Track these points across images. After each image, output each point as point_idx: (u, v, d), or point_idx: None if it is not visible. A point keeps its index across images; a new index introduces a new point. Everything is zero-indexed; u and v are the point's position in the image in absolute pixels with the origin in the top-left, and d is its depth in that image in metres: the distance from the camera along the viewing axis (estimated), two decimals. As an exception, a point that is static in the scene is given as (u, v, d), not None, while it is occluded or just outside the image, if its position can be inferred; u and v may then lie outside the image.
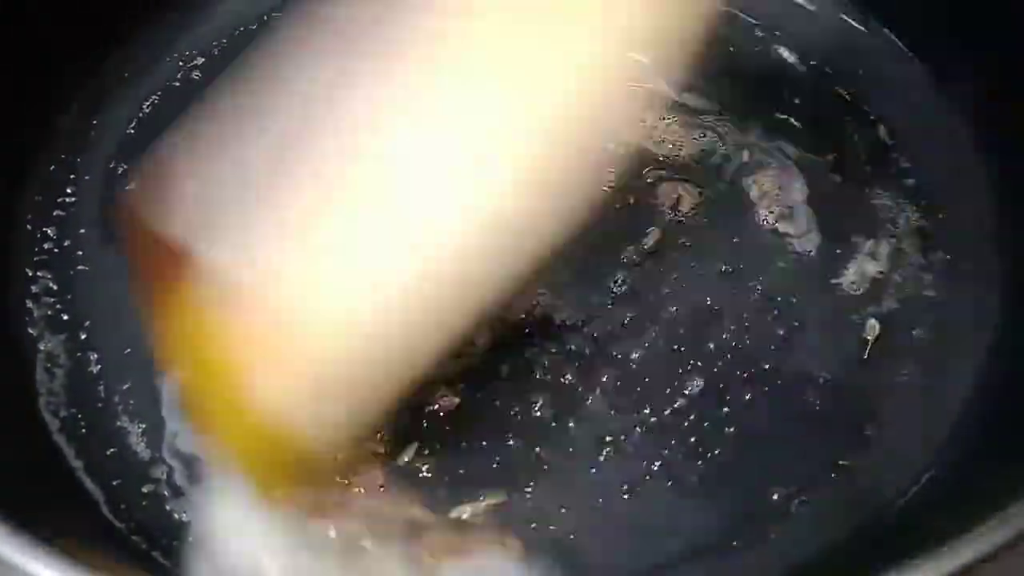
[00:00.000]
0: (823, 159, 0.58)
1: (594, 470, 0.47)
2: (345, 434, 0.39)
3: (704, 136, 0.58)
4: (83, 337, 0.51)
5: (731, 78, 0.61)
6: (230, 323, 0.35)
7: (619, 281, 0.52)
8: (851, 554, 0.45)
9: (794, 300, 0.52)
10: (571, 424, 0.48)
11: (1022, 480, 0.40)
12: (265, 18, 0.61)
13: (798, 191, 0.56)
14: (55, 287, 0.52)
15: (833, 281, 0.53)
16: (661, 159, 0.57)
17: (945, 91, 0.60)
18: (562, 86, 0.32)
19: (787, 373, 0.50)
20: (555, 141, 0.32)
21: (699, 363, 0.50)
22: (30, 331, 0.51)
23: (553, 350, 0.50)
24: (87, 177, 0.57)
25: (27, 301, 0.52)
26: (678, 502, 0.46)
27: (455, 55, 0.32)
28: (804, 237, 0.55)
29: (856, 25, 0.64)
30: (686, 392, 0.49)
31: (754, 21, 0.65)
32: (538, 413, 0.48)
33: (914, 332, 0.52)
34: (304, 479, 0.39)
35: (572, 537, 0.45)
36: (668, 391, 0.49)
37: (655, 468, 0.47)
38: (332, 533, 0.40)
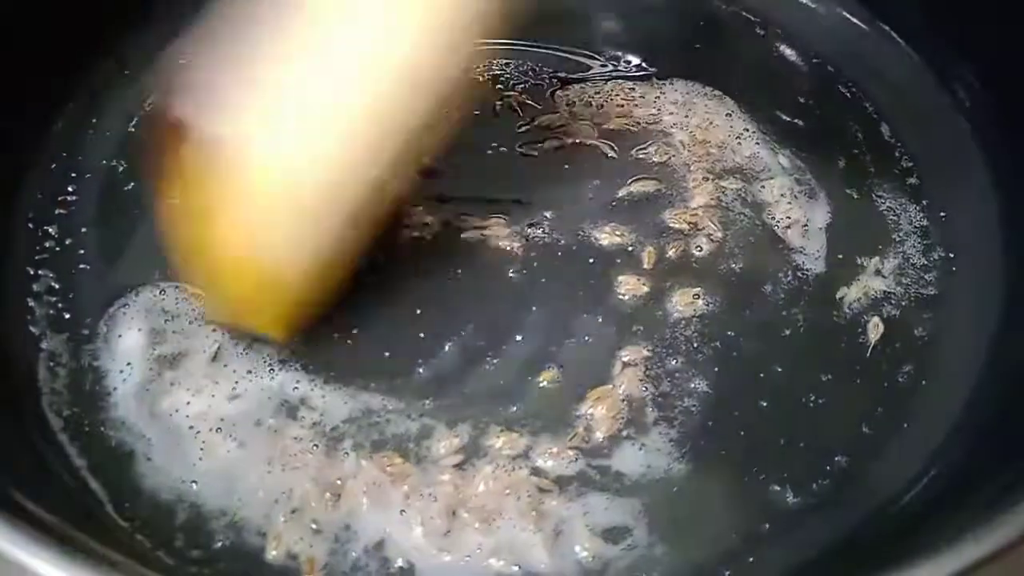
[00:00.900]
0: (826, 158, 0.58)
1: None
2: (313, 256, 0.48)
3: (706, 130, 0.59)
4: (85, 335, 0.50)
5: (732, 75, 0.61)
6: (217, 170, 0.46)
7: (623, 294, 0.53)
8: (851, 554, 0.45)
9: (797, 300, 0.52)
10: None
11: (1022, 480, 0.40)
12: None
13: (803, 196, 0.56)
14: (57, 286, 0.52)
15: (837, 282, 0.53)
16: (668, 151, 0.57)
17: (947, 89, 0.61)
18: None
19: (788, 372, 0.50)
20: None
21: (700, 362, 0.50)
22: (32, 330, 0.51)
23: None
24: (88, 175, 0.57)
25: (29, 300, 0.52)
26: (679, 499, 0.46)
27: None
28: (808, 238, 0.55)
29: (858, 23, 0.64)
30: (690, 389, 0.49)
31: (755, 19, 0.65)
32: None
33: (915, 332, 0.52)
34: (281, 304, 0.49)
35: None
36: (671, 389, 0.49)
37: (660, 466, 0.47)
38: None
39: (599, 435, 0.48)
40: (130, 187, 0.56)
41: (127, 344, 0.50)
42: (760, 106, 0.60)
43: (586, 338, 0.51)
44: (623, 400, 0.49)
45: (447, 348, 0.50)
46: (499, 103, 0.60)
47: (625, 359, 0.50)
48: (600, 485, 0.46)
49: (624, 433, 0.48)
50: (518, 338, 0.51)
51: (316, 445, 0.47)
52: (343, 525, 0.45)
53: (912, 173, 0.58)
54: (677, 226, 0.55)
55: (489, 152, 0.58)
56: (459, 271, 0.53)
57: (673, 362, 0.50)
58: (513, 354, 0.50)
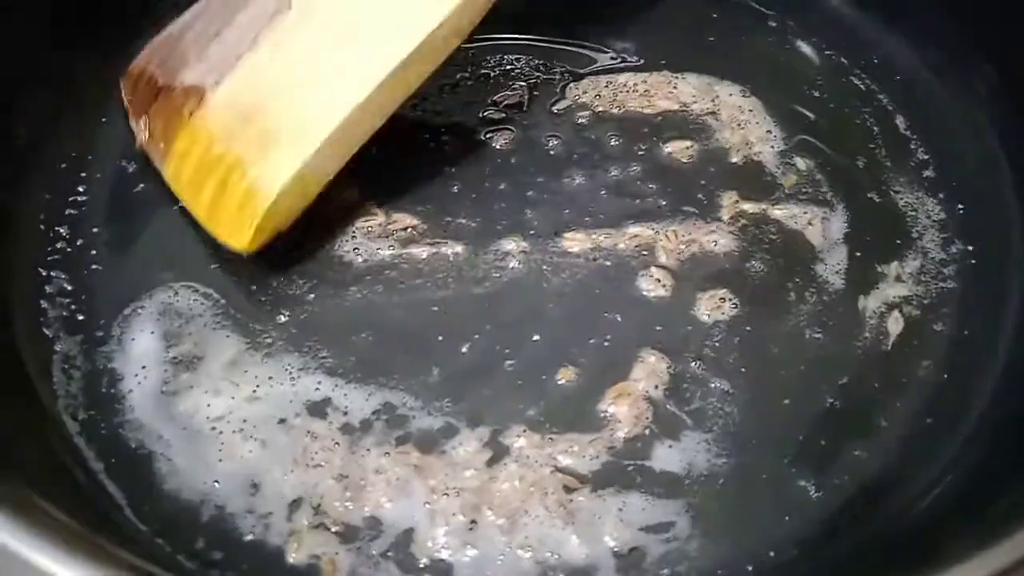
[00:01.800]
0: (842, 154, 0.58)
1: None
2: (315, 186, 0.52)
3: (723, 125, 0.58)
4: (99, 336, 0.50)
5: (745, 68, 0.61)
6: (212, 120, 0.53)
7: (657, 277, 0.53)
8: (874, 552, 0.45)
9: (818, 298, 0.52)
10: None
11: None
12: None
13: (822, 193, 0.56)
14: (69, 287, 0.52)
15: (858, 282, 0.53)
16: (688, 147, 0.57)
17: (961, 81, 0.60)
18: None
19: (809, 370, 0.50)
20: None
21: (720, 361, 0.50)
22: (45, 332, 0.50)
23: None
24: (98, 175, 0.56)
25: (42, 302, 0.51)
26: (707, 496, 0.46)
27: None
28: (827, 235, 0.54)
29: (871, 15, 0.64)
30: (711, 388, 0.49)
31: (767, 11, 0.64)
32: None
33: (935, 327, 0.52)
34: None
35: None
36: (691, 388, 0.49)
37: (684, 463, 0.47)
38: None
39: (621, 434, 0.48)
40: (140, 188, 0.56)
41: (142, 346, 0.50)
42: (775, 99, 0.59)
43: (606, 337, 0.51)
44: (644, 398, 0.48)
45: (464, 350, 0.50)
46: (514, 96, 0.59)
47: (645, 358, 0.50)
48: (627, 481, 0.46)
49: (646, 431, 0.48)
50: (536, 338, 0.51)
51: (338, 443, 0.47)
52: (367, 521, 0.45)
53: (928, 166, 0.58)
54: (698, 225, 0.54)
55: (496, 147, 0.57)
56: (477, 271, 0.53)
57: (693, 362, 0.50)
58: (531, 353, 0.50)
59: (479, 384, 0.49)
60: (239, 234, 0.51)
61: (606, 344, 0.50)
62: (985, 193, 0.56)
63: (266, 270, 0.52)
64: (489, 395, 0.49)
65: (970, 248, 0.54)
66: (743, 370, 0.49)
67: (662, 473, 0.47)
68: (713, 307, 0.52)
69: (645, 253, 0.53)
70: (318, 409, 0.48)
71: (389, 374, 0.49)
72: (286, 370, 0.49)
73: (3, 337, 0.50)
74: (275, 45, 0.53)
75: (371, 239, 0.54)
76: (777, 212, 0.55)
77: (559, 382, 0.49)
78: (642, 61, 0.61)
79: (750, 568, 0.45)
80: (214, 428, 0.47)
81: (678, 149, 0.57)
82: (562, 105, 0.59)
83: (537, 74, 0.61)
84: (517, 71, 0.61)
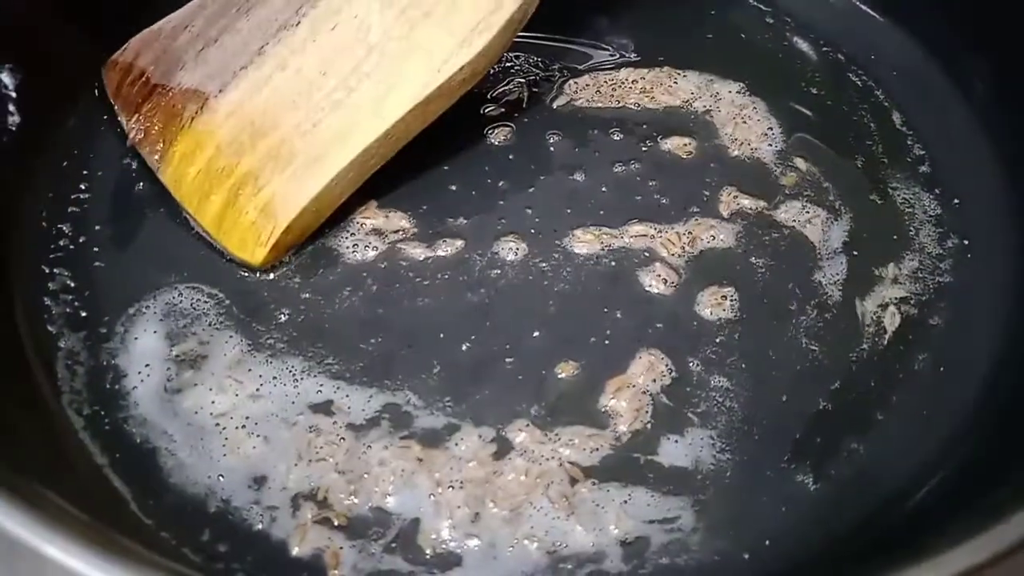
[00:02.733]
0: (839, 150, 0.58)
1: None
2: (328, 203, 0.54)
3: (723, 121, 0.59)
4: (103, 333, 0.50)
5: (743, 65, 0.61)
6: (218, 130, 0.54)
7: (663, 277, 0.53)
8: (868, 542, 0.45)
9: (816, 295, 0.53)
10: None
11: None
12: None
13: (819, 189, 0.56)
14: (72, 284, 0.52)
15: (855, 279, 0.53)
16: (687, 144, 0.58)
17: (957, 77, 0.61)
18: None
19: (807, 364, 0.50)
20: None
21: (719, 357, 0.50)
22: (49, 329, 0.51)
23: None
24: (100, 173, 0.56)
25: (45, 298, 0.52)
26: (708, 488, 0.47)
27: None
28: (826, 231, 0.55)
29: (868, 11, 0.64)
30: (711, 383, 0.50)
31: (765, 7, 0.65)
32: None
33: (931, 320, 0.52)
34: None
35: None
36: (691, 383, 0.50)
37: (686, 456, 0.47)
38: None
39: (622, 428, 0.48)
40: (143, 186, 0.56)
41: (145, 344, 0.50)
42: (773, 96, 0.60)
43: (607, 333, 0.51)
44: (644, 393, 0.49)
45: (465, 348, 0.50)
46: (513, 94, 0.60)
47: (646, 354, 0.50)
48: (631, 475, 0.47)
49: (647, 425, 0.48)
50: (536, 334, 0.51)
51: (343, 439, 0.47)
52: (372, 513, 0.45)
53: (924, 161, 0.58)
54: (699, 222, 0.55)
55: (495, 144, 0.58)
56: (477, 268, 0.53)
57: (694, 359, 0.50)
58: (532, 350, 0.50)
59: (480, 381, 0.49)
60: (253, 250, 0.52)
61: (607, 342, 0.51)
62: (980, 187, 0.57)
63: (267, 269, 0.53)
64: (491, 391, 0.49)
65: (966, 242, 0.55)
66: (743, 366, 0.50)
67: (666, 467, 0.47)
68: (714, 304, 0.52)
69: (645, 250, 0.54)
70: (321, 408, 0.48)
71: (391, 372, 0.49)
72: (289, 370, 0.49)
73: (7, 333, 0.50)
74: (283, 61, 0.53)
75: (371, 238, 0.54)
76: (777, 209, 0.56)
77: (560, 376, 0.50)
78: (640, 58, 0.62)
79: (746, 556, 0.45)
80: (218, 424, 0.48)
81: (678, 146, 0.58)
82: (561, 102, 0.60)
83: (536, 71, 0.61)
84: (516, 68, 0.61)
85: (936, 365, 0.51)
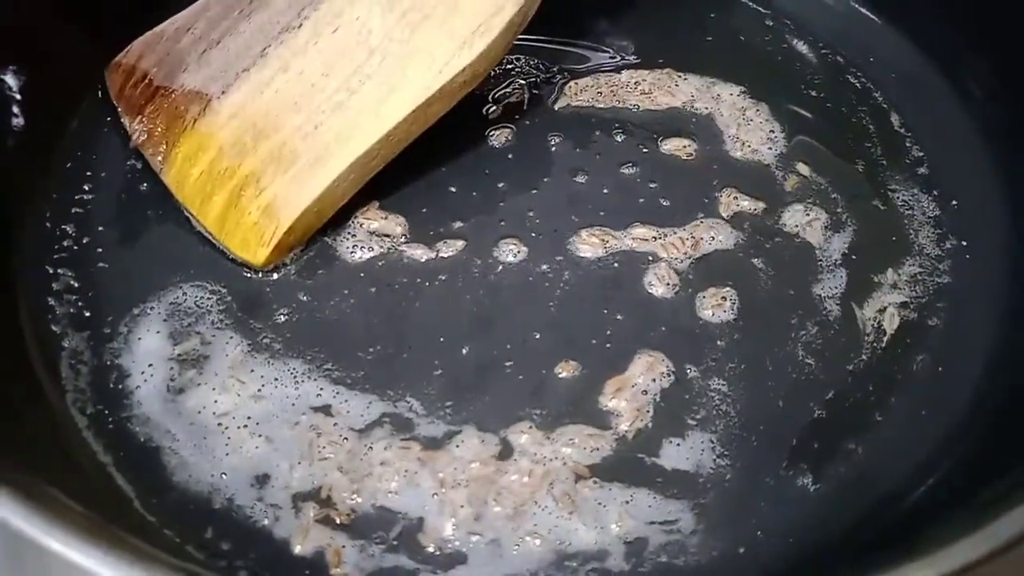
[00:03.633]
0: (838, 152, 0.59)
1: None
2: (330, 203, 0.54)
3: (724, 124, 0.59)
4: (106, 333, 0.51)
5: (742, 67, 0.62)
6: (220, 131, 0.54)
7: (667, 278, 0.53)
8: (865, 541, 0.46)
9: (814, 297, 0.53)
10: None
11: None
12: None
13: (818, 191, 0.57)
14: (76, 284, 0.52)
15: (855, 284, 0.54)
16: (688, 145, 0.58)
17: (955, 79, 0.61)
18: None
19: (806, 366, 0.51)
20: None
21: (719, 360, 0.51)
22: (53, 329, 0.51)
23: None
24: (103, 174, 0.57)
25: (49, 299, 0.52)
26: (707, 488, 0.47)
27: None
28: (826, 235, 0.55)
29: (867, 13, 0.65)
30: (710, 386, 0.50)
31: (764, 10, 0.65)
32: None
33: (929, 321, 0.52)
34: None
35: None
36: (691, 385, 0.50)
37: (686, 458, 0.48)
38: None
39: (623, 428, 0.48)
40: (146, 186, 0.56)
41: (148, 344, 0.50)
42: (773, 98, 0.60)
43: (608, 335, 0.51)
44: (644, 392, 0.49)
45: (466, 350, 0.51)
46: (514, 96, 0.60)
47: (646, 355, 0.50)
48: (633, 475, 0.47)
49: (648, 426, 0.48)
50: (537, 336, 0.51)
51: (345, 439, 0.48)
52: (375, 512, 0.46)
53: (923, 163, 0.59)
54: (699, 224, 0.55)
55: (496, 146, 0.58)
56: (478, 270, 0.53)
57: (695, 360, 0.50)
58: (533, 351, 0.51)
59: (481, 383, 0.50)
60: (255, 251, 0.52)
61: (607, 344, 0.51)
62: (978, 188, 0.57)
63: (269, 270, 0.53)
64: (492, 392, 0.49)
65: (964, 243, 0.55)
66: (743, 368, 0.50)
67: (668, 469, 0.47)
68: (714, 306, 0.52)
69: (646, 252, 0.54)
70: (323, 409, 0.48)
71: (391, 376, 0.50)
72: (290, 372, 0.49)
73: (11, 333, 0.50)
74: (286, 63, 0.54)
75: (372, 239, 0.54)
76: (778, 212, 0.56)
77: (560, 376, 0.50)
78: (641, 60, 0.62)
79: (742, 551, 0.45)
80: (220, 423, 0.48)
81: (679, 148, 0.58)
82: (562, 104, 0.60)
83: (536, 73, 0.61)
84: (517, 70, 0.61)
85: (935, 366, 0.51)
